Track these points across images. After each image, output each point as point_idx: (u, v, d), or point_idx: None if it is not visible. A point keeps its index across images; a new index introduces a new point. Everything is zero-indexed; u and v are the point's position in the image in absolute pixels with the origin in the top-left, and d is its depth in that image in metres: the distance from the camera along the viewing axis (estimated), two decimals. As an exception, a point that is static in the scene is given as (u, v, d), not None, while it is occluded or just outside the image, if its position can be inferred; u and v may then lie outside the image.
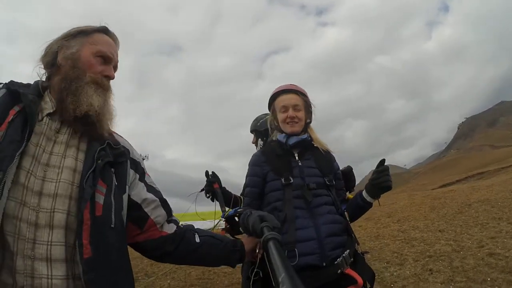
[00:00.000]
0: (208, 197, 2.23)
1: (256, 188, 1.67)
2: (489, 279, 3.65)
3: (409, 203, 10.43)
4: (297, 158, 1.70)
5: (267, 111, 1.99)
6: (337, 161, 1.82)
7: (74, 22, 1.19)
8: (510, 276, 3.59)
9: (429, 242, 5.51)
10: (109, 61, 1.13)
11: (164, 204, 1.23)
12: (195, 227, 1.32)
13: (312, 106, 1.83)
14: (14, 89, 0.98)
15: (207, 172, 2.26)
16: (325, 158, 1.73)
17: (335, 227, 1.55)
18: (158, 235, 1.18)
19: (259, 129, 2.44)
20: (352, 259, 1.52)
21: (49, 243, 0.88)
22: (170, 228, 1.22)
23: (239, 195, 2.38)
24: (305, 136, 1.74)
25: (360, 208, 1.68)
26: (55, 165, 0.96)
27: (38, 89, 1.05)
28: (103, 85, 1.10)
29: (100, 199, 0.97)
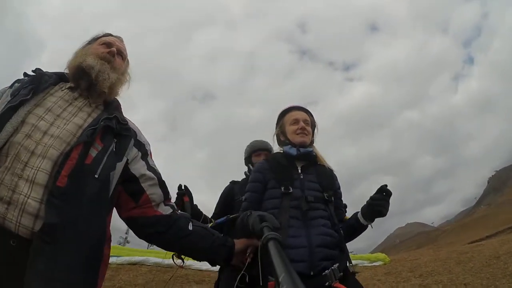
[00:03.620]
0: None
1: (256, 193, 1.71)
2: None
3: (433, 258, 9.75)
4: (299, 171, 1.74)
5: None
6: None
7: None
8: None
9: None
10: (111, 46, 1.36)
11: (162, 185, 1.29)
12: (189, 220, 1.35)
13: (316, 128, 1.95)
14: (39, 71, 1.26)
15: (180, 186, 2.13)
16: (327, 175, 1.79)
17: (327, 239, 1.54)
18: (152, 213, 1.23)
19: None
20: (341, 274, 1.48)
21: (37, 169, 1.00)
22: (165, 210, 1.27)
23: (209, 217, 2.38)
24: (311, 150, 1.83)
25: (352, 228, 1.71)
26: (64, 118, 1.14)
27: (63, 74, 1.32)
28: (103, 57, 1.30)
29: (93, 152, 1.09)
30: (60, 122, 1.12)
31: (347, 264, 1.57)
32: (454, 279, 6.25)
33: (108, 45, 1.36)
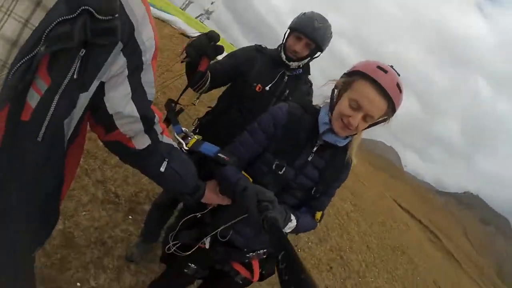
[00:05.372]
0: (184, 60, 1.39)
1: (259, 147, 1.36)
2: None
3: (374, 200, 10.66)
4: (314, 150, 1.34)
5: None
6: None
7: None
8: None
9: (352, 247, 5.73)
10: None
11: (145, 119, 0.91)
12: (173, 143, 1.11)
13: (388, 120, 1.27)
14: None
15: (213, 36, 1.31)
16: (339, 168, 1.40)
17: None
18: (123, 142, 0.93)
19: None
20: (264, 257, 1.52)
21: None
22: (140, 143, 0.96)
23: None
24: (344, 142, 1.32)
25: None
26: None
27: None
28: None
29: (33, 98, 0.64)
30: None
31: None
32: (366, 234, 6.98)
33: None
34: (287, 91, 1.92)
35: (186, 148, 1.34)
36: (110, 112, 0.81)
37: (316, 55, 1.94)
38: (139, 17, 0.74)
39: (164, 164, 1.05)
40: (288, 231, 1.33)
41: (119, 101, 0.81)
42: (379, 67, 1.16)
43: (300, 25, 1.82)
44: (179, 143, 1.34)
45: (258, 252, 1.48)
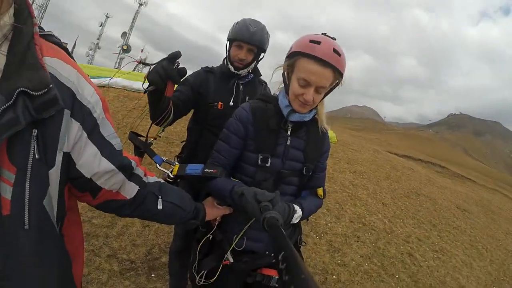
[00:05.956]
0: (147, 89, 1.34)
1: (237, 149, 1.42)
2: (397, 276, 3.98)
3: (371, 159, 10.81)
4: (288, 133, 1.42)
5: None
6: None
7: None
8: (413, 285, 3.94)
9: (369, 209, 5.80)
10: None
11: (123, 168, 0.92)
12: (159, 180, 1.15)
13: (340, 84, 1.35)
14: None
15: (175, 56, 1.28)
16: (317, 141, 1.48)
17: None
18: (114, 198, 0.95)
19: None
20: None
21: None
22: (130, 192, 0.99)
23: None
24: (310, 115, 1.41)
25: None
26: None
27: None
28: None
29: (6, 191, 0.65)
30: None
31: (298, 239, 1.60)
32: (377, 192, 7.08)
33: None
34: (247, 98, 1.99)
35: (172, 176, 1.37)
36: (88, 176, 0.83)
37: (260, 57, 2.05)
38: (74, 80, 0.77)
39: (160, 201, 1.08)
40: (296, 221, 1.37)
41: (92, 163, 0.82)
42: (312, 41, 1.24)
43: (237, 34, 1.92)
44: (164, 173, 1.39)
45: None
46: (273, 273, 1.48)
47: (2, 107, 0.61)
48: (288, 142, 1.41)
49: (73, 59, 0.83)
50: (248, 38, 1.90)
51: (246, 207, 1.16)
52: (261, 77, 2.17)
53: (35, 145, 0.67)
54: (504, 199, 17.67)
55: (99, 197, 0.91)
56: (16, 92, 0.63)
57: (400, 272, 4.09)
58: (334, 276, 3.49)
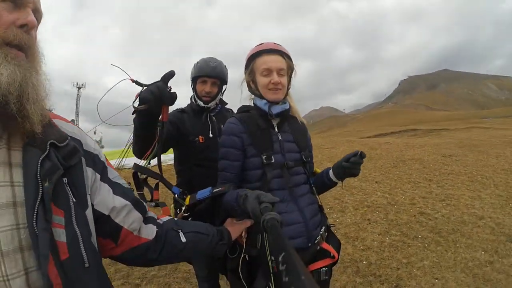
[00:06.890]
0: (138, 108, 1.30)
1: (238, 161, 1.49)
2: (420, 236, 3.97)
3: (348, 150, 11.02)
4: (276, 130, 1.57)
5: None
6: None
7: None
8: (437, 237, 3.94)
9: (367, 192, 5.84)
10: (22, 3, 0.70)
11: (137, 204, 0.98)
12: (172, 218, 1.18)
13: (294, 71, 1.62)
14: None
15: (169, 75, 1.32)
16: (301, 131, 1.66)
17: (314, 208, 1.57)
18: (137, 243, 0.96)
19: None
20: (326, 233, 1.58)
21: None
22: (150, 233, 1.01)
23: None
24: (287, 105, 1.59)
25: (326, 186, 1.69)
26: None
27: None
28: (19, 43, 0.68)
29: (60, 235, 0.68)
30: None
31: (327, 222, 1.64)
32: (367, 175, 7.16)
33: (18, 1, 0.69)
34: (222, 126, 2.09)
35: (187, 205, 1.42)
36: (106, 212, 0.87)
37: (224, 89, 2.22)
38: (78, 133, 0.87)
39: (181, 234, 1.09)
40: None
41: (107, 199, 0.88)
42: (256, 45, 1.56)
43: (200, 70, 2.10)
44: (179, 203, 1.45)
45: (318, 236, 1.50)
46: (319, 265, 1.50)
47: (41, 158, 0.69)
48: (280, 137, 1.54)
49: None
50: (211, 72, 2.09)
51: (247, 208, 1.17)
52: (227, 105, 2.33)
53: (70, 191, 0.73)
54: (480, 131, 18.45)
55: (122, 242, 0.92)
56: (48, 143, 0.72)
57: (421, 232, 4.09)
58: (364, 262, 3.43)
